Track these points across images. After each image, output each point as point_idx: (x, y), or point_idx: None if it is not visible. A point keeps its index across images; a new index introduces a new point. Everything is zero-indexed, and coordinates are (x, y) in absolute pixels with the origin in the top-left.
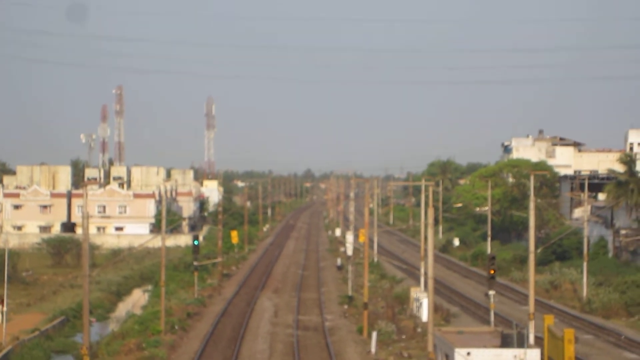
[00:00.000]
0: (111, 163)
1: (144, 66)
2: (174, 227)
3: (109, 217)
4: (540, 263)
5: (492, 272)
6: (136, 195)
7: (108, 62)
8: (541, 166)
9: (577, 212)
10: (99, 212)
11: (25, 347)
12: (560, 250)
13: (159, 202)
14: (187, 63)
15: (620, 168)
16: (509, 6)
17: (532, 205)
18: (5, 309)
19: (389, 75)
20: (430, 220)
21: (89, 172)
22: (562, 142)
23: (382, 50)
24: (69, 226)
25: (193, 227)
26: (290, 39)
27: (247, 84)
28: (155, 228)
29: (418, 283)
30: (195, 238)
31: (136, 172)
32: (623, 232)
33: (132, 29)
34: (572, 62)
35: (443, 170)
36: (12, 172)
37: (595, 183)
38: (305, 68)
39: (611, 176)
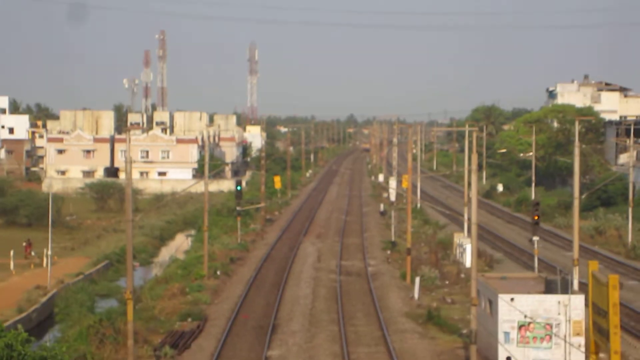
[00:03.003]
0: (154, 108)
1: (187, 10)
2: (216, 173)
3: (151, 162)
4: (585, 209)
5: (536, 217)
6: (179, 141)
7: (151, 6)
8: (586, 112)
9: (623, 158)
10: (142, 157)
11: (70, 291)
12: (605, 196)
13: (201, 148)
14: (230, 7)
15: None
16: None
17: (576, 151)
18: (50, 252)
19: (433, 21)
20: (474, 166)
21: (132, 117)
22: (608, 87)
23: None
24: (112, 171)
25: (236, 173)
26: None
27: (290, 29)
28: (198, 173)
29: (461, 229)
30: (238, 183)
31: (179, 117)
32: None
33: None
34: (617, 6)
35: (487, 116)
36: (56, 117)
37: None
38: (349, 13)
39: None
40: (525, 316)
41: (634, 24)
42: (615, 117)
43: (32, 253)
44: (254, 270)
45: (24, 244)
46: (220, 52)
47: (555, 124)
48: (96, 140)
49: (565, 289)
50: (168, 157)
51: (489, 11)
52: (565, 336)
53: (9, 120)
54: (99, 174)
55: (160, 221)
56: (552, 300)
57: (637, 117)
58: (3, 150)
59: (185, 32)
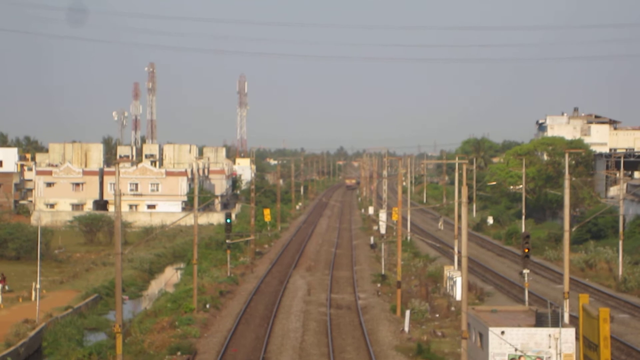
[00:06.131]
0: (143, 141)
1: (176, 44)
2: (206, 205)
3: (141, 195)
4: (575, 242)
5: (526, 250)
6: (168, 173)
7: (140, 39)
8: (576, 144)
9: (613, 191)
10: (131, 190)
11: (59, 324)
12: (596, 229)
13: (191, 180)
14: (220, 40)
15: None
16: None
17: (567, 183)
18: (38, 286)
19: (423, 53)
20: (464, 198)
21: (121, 150)
22: (598, 120)
23: (414, 28)
24: (101, 204)
25: (225, 205)
26: (322, 17)
27: (280, 61)
28: (188, 206)
29: (452, 261)
30: (228, 216)
31: (168, 149)
32: None
33: (164, 6)
34: (608, 39)
35: (477, 149)
36: (45, 150)
37: (631, 161)
38: (339, 46)
39: None
40: (516, 349)
41: (623, 56)
42: (605, 149)
43: (6, 287)
44: (243, 304)
45: None
46: (210, 84)
47: (545, 157)
48: (85, 173)
49: (556, 322)
50: (157, 189)
51: (478, 44)
52: None
53: None
54: (88, 206)
55: (150, 254)
56: (542, 334)
57: (627, 149)
58: None
59: (175, 65)
